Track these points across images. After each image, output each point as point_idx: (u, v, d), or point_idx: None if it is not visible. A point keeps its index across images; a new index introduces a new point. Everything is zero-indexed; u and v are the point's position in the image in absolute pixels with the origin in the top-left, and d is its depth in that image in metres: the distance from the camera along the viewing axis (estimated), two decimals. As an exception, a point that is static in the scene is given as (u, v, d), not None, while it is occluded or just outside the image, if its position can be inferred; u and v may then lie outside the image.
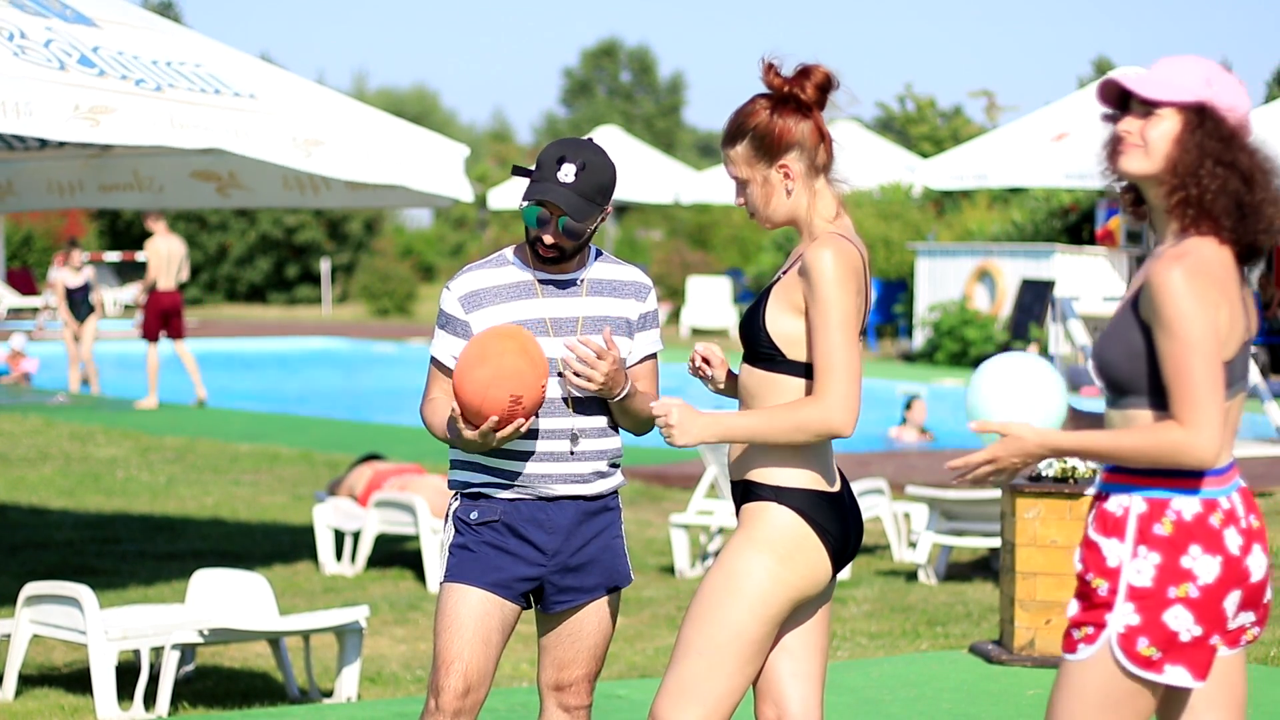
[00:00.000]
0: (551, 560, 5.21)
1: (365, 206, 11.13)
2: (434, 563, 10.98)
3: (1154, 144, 4.13)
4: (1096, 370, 4.16)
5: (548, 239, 5.17)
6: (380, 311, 43.45)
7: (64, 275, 23.48)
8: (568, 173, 5.16)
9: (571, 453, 5.20)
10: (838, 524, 4.67)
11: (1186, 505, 4.06)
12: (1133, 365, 4.08)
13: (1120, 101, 4.19)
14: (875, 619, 10.10)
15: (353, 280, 49.19)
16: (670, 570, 11.85)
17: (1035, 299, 25.71)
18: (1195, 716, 4.18)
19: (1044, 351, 21.92)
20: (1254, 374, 16.67)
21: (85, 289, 23.42)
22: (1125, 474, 4.10)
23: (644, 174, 38.95)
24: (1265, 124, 17.48)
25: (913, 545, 11.82)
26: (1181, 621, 4.03)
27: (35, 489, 15.22)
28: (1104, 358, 4.13)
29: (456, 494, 5.28)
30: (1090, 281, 25.62)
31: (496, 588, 5.17)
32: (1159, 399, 4.08)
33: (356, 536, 11.93)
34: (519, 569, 5.19)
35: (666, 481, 14.93)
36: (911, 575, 11.52)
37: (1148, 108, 4.13)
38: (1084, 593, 4.12)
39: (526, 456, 5.18)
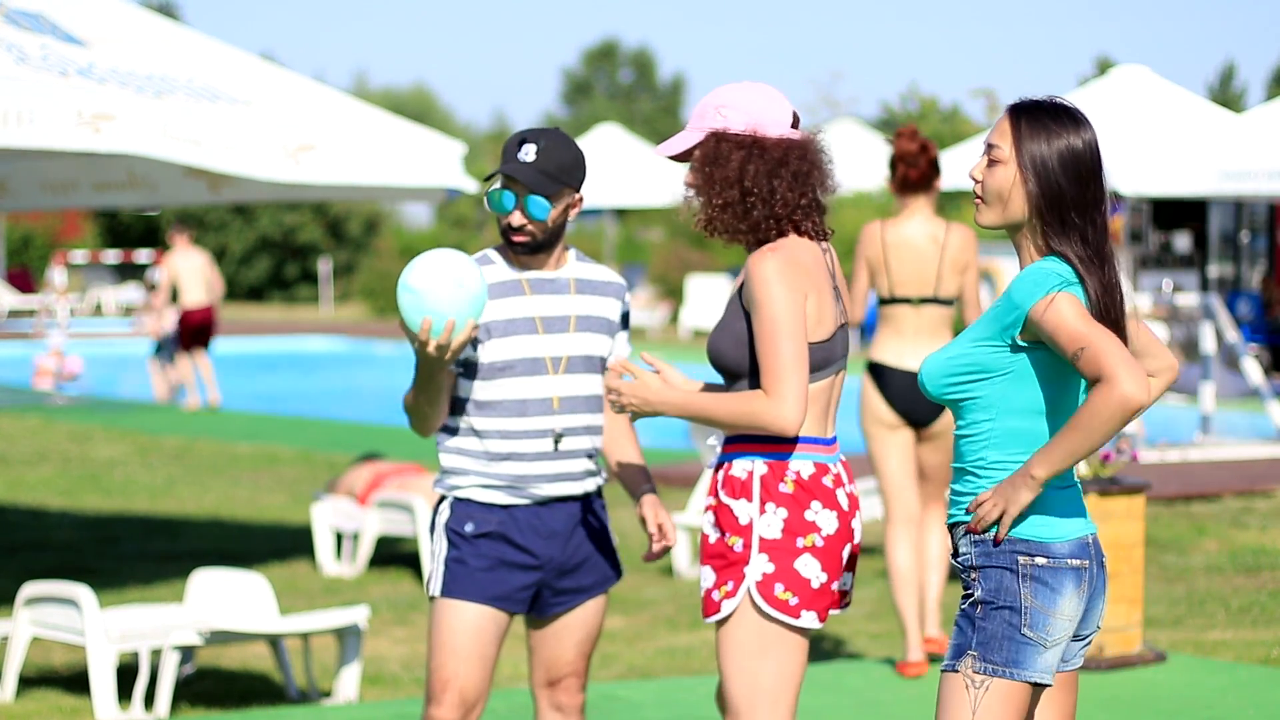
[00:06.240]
0: (548, 565, 5.21)
1: (354, 198, 11.11)
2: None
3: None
4: (711, 360, 4.62)
5: (515, 220, 5.15)
6: (380, 311, 43.44)
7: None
8: (528, 152, 5.16)
9: (556, 450, 5.20)
10: None
11: (803, 466, 4.56)
12: (739, 351, 4.56)
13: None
14: (875, 619, 10.09)
15: (353, 280, 49.18)
16: (669, 571, 11.84)
17: (1035, 299, 25.68)
18: None
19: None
20: (1255, 374, 16.65)
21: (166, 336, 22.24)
22: (745, 442, 4.57)
23: (644, 174, 38.84)
24: (1264, 124, 17.31)
25: (913, 545, 11.79)
26: (810, 569, 4.52)
27: (34, 489, 15.21)
28: (717, 348, 4.59)
29: (446, 500, 5.24)
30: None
31: (498, 601, 5.16)
32: (759, 380, 4.52)
33: (356, 537, 11.91)
34: (519, 579, 5.18)
35: (667, 481, 14.91)
36: (912, 575, 11.50)
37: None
38: (719, 553, 4.56)
39: (511, 457, 5.17)
